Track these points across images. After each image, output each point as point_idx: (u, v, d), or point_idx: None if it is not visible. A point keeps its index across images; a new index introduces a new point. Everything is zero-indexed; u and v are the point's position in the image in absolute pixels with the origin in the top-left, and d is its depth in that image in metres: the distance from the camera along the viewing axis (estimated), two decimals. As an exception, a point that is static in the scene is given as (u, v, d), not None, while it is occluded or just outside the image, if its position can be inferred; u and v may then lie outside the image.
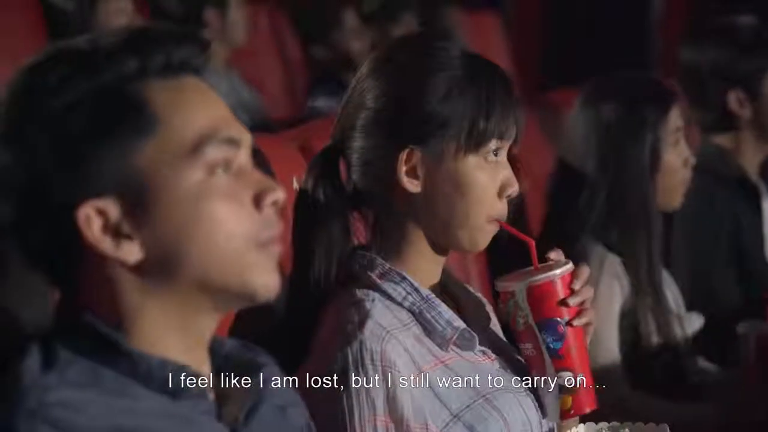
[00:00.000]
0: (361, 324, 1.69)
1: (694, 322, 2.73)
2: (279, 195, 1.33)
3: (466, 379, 1.75)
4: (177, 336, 1.32)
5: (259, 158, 1.40)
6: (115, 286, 1.29)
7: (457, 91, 1.74)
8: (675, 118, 2.62)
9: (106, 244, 1.27)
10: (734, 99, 3.05)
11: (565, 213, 2.64)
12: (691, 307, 2.85)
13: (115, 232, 1.27)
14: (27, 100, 1.29)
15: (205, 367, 1.36)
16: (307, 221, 1.78)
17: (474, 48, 1.89)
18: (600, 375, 2.51)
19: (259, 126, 4.07)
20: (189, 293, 1.30)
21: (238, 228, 1.30)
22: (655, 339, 2.59)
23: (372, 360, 1.67)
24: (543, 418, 1.82)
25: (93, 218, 1.27)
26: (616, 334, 2.55)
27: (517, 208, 1.83)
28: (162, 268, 1.29)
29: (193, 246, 1.28)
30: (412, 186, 1.75)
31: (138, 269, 1.29)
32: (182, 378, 1.30)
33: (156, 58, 1.31)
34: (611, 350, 2.54)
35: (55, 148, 1.27)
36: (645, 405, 2.48)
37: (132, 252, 1.28)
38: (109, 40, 1.31)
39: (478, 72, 1.77)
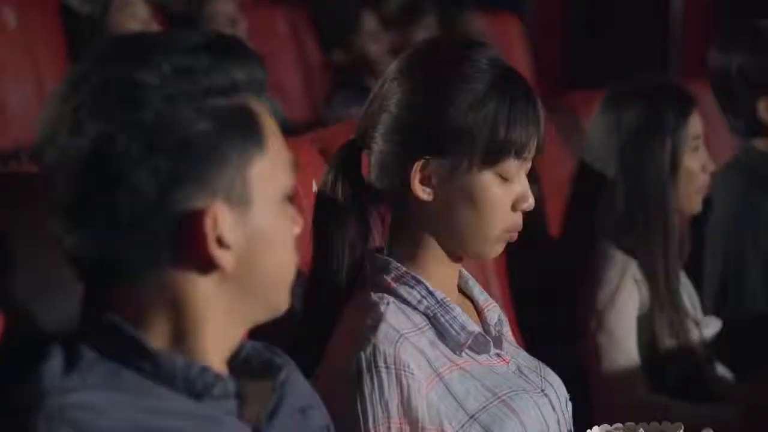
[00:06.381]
0: (375, 327, 1.70)
1: (712, 326, 2.73)
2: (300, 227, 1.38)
3: (481, 381, 1.75)
4: (219, 343, 1.34)
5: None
6: (183, 295, 1.30)
7: (479, 105, 1.73)
8: (694, 124, 2.62)
9: (216, 248, 1.28)
10: (764, 107, 3.00)
11: (586, 216, 2.64)
12: (717, 309, 2.84)
13: (219, 239, 1.28)
14: (138, 96, 1.26)
15: (225, 368, 1.37)
16: (326, 218, 1.79)
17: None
18: (619, 377, 2.52)
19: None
20: (246, 305, 1.33)
21: (292, 250, 1.36)
22: (670, 342, 2.59)
23: (385, 362, 1.67)
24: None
25: (214, 222, 1.27)
26: (634, 337, 2.56)
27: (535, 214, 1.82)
28: (236, 280, 1.31)
29: (267, 264, 1.32)
30: (425, 194, 1.75)
31: (218, 280, 1.30)
32: (208, 379, 1.31)
33: (248, 72, 1.32)
34: (629, 352, 2.54)
35: (177, 149, 1.26)
36: (664, 406, 2.48)
37: (229, 261, 1.29)
38: (213, 46, 1.30)
39: (502, 87, 1.74)
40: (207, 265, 1.29)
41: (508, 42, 5.85)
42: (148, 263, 1.28)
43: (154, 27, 3.84)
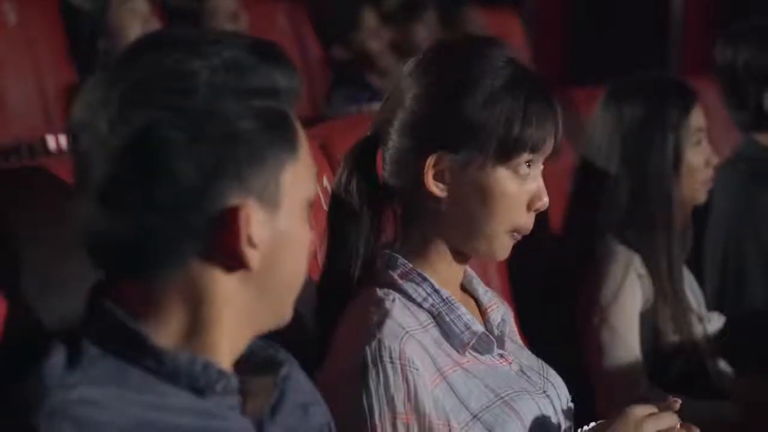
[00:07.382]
0: (380, 323, 1.70)
1: (715, 322, 2.73)
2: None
3: (484, 381, 1.75)
4: (230, 343, 1.34)
5: None
6: (203, 292, 1.29)
7: (494, 101, 1.73)
8: (697, 118, 2.62)
9: (246, 246, 1.28)
10: None
11: (588, 212, 2.64)
12: (719, 304, 2.84)
13: (248, 238, 1.28)
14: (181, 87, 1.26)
15: (230, 366, 1.36)
16: (341, 215, 1.78)
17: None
18: (621, 373, 2.52)
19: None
20: (261, 306, 1.33)
21: (306, 259, 1.37)
22: (673, 337, 2.59)
23: (390, 357, 1.67)
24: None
25: (247, 220, 1.27)
26: (637, 333, 2.56)
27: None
28: (256, 280, 1.31)
29: (285, 268, 1.33)
30: (438, 190, 1.75)
31: (240, 278, 1.30)
32: (211, 375, 1.31)
33: (289, 80, 1.32)
34: (632, 348, 2.54)
35: (224, 145, 1.26)
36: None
37: (256, 260, 1.29)
38: (259, 50, 1.30)
39: (517, 84, 1.74)
40: (234, 263, 1.29)
41: (507, 38, 5.83)
42: (174, 256, 1.27)
43: (155, 23, 3.84)
